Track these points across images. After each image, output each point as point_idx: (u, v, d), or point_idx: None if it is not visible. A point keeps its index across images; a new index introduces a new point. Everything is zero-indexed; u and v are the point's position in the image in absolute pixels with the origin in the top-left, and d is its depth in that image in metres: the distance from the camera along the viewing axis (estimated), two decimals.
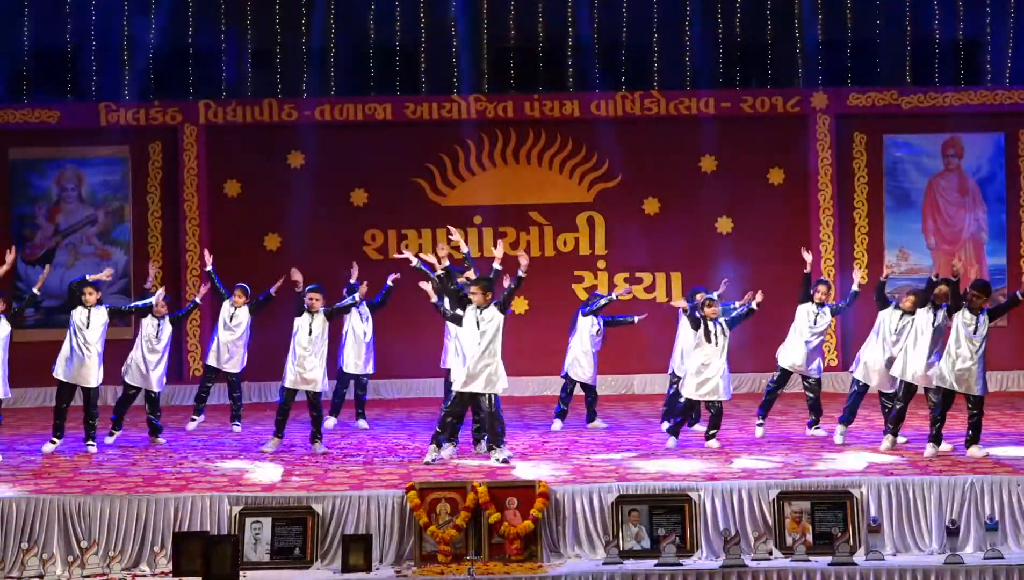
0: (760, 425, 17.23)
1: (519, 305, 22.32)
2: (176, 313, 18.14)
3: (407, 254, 16.44)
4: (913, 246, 22.87)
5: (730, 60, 23.00)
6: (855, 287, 17.53)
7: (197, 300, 18.71)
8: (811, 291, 17.23)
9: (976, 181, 22.92)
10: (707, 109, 22.68)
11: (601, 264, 22.92)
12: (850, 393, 16.74)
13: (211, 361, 18.83)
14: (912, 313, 16.12)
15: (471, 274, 16.31)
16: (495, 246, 15.82)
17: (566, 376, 18.50)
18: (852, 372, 16.82)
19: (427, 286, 15.79)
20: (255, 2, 22.75)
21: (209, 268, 18.86)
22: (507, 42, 23.02)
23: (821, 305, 17.22)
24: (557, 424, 18.39)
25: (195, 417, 18.87)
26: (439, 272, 15.93)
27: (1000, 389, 22.03)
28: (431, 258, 16.26)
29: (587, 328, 18.35)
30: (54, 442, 16.71)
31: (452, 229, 16.78)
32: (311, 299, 16.36)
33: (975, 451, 15.23)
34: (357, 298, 17.37)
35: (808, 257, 17.35)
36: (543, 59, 23.02)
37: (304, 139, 22.80)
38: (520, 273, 15.41)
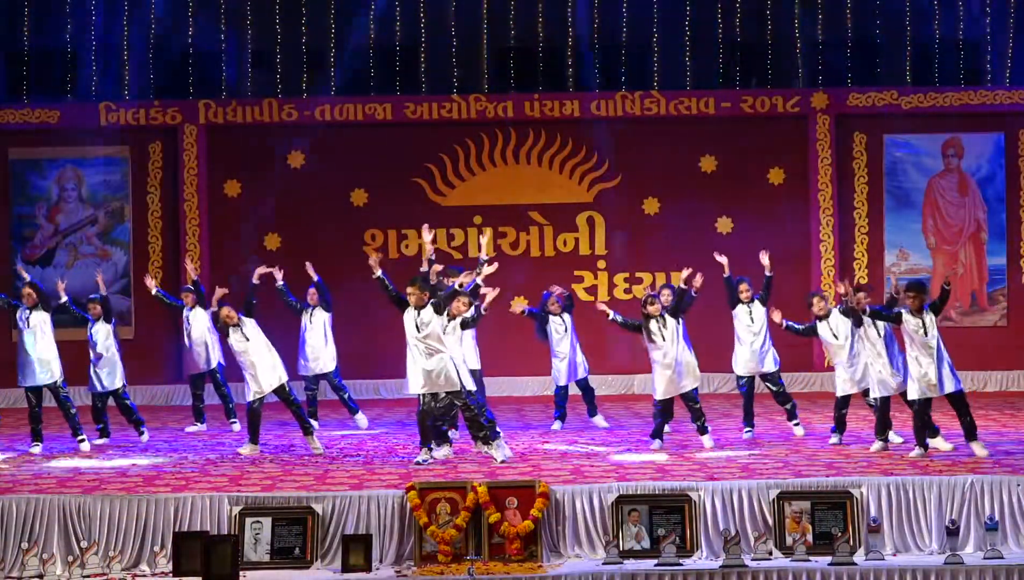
0: (748, 431, 17.22)
1: (518, 305, 22.31)
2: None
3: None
4: (913, 246, 22.88)
5: (730, 60, 23.03)
6: (768, 273, 17.44)
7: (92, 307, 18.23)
8: (736, 294, 17.25)
9: (976, 181, 22.93)
10: (707, 109, 22.72)
11: (601, 264, 22.96)
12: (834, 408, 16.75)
13: (188, 369, 18.98)
14: (824, 317, 16.23)
15: (462, 278, 16.35)
16: (480, 237, 15.83)
17: (557, 388, 18.51)
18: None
19: (373, 260, 15.59)
20: (255, 2, 22.77)
21: (155, 291, 18.70)
22: (507, 42, 23.04)
23: (750, 302, 17.26)
24: (556, 425, 18.38)
25: (197, 423, 18.86)
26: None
27: (1000, 389, 22.07)
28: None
29: (555, 331, 18.30)
30: (36, 445, 16.76)
31: (427, 230, 16.64)
32: (225, 317, 16.29)
33: (977, 447, 15.23)
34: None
35: (722, 260, 17.33)
36: (543, 59, 23.03)
37: (304, 139, 22.85)
38: (478, 280, 15.51)
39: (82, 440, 16.83)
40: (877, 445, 15.84)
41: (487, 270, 15.85)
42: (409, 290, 15.25)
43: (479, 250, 17.14)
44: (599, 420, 18.44)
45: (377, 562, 13.30)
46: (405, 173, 22.86)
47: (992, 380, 22.12)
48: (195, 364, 18.82)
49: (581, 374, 18.45)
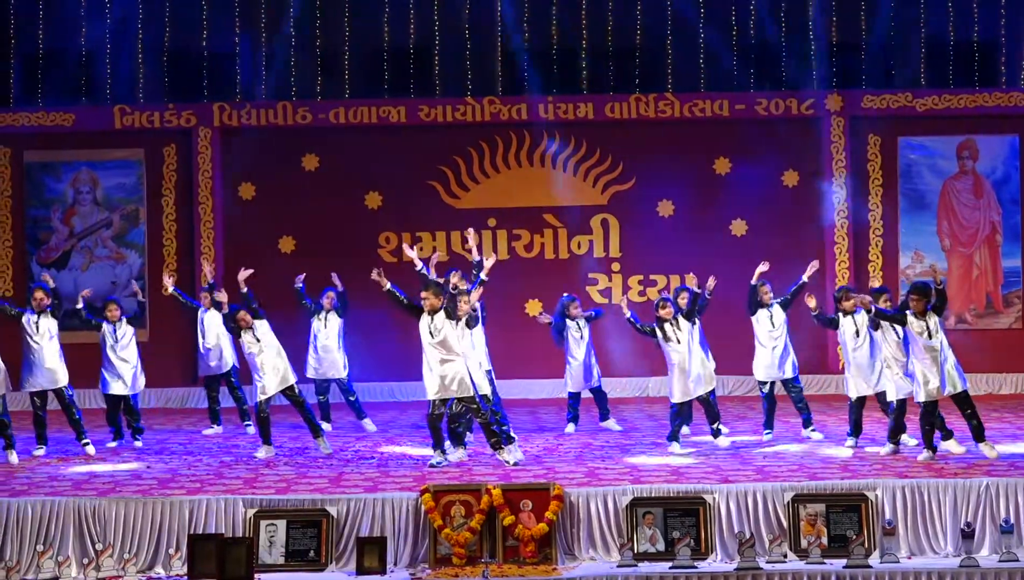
0: (768, 433, 17.22)
1: (532, 308, 22.32)
2: (129, 314, 17.99)
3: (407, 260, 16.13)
4: (928, 248, 22.83)
5: (744, 62, 23.02)
6: (804, 278, 17.38)
7: (140, 298, 18.52)
8: (757, 297, 17.20)
9: (991, 183, 22.89)
10: (721, 111, 22.69)
11: (615, 266, 22.94)
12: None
13: (203, 371, 19.01)
14: (851, 314, 16.21)
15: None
16: (469, 240, 15.83)
17: (570, 393, 18.49)
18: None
19: (377, 275, 15.65)
20: (269, 5, 22.80)
21: (171, 290, 18.49)
22: (521, 44, 23.05)
23: (770, 305, 17.23)
24: (570, 427, 18.37)
25: (214, 426, 18.87)
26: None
27: (1016, 391, 22.06)
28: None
29: (572, 336, 18.28)
30: (40, 448, 16.76)
31: (471, 233, 16.74)
32: (240, 319, 16.43)
33: (986, 448, 15.19)
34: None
35: (762, 268, 17.31)
36: (557, 61, 23.04)
37: (318, 142, 22.87)
38: (482, 276, 15.55)
39: (86, 443, 16.81)
40: (888, 448, 15.81)
41: (488, 264, 15.84)
42: (424, 295, 15.36)
43: (474, 254, 16.94)
44: (611, 424, 18.42)
45: (392, 564, 13.35)
46: (419, 176, 22.85)
47: (1008, 382, 22.10)
48: (209, 366, 18.86)
49: (595, 382, 18.43)
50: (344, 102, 22.79)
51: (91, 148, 22.73)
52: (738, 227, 22.85)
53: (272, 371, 16.35)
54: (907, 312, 15.22)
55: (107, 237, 22.77)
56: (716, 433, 16.48)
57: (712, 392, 16.49)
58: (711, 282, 16.76)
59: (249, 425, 18.65)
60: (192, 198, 22.73)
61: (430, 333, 15.28)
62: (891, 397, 15.97)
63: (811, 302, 16.77)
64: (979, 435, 15.28)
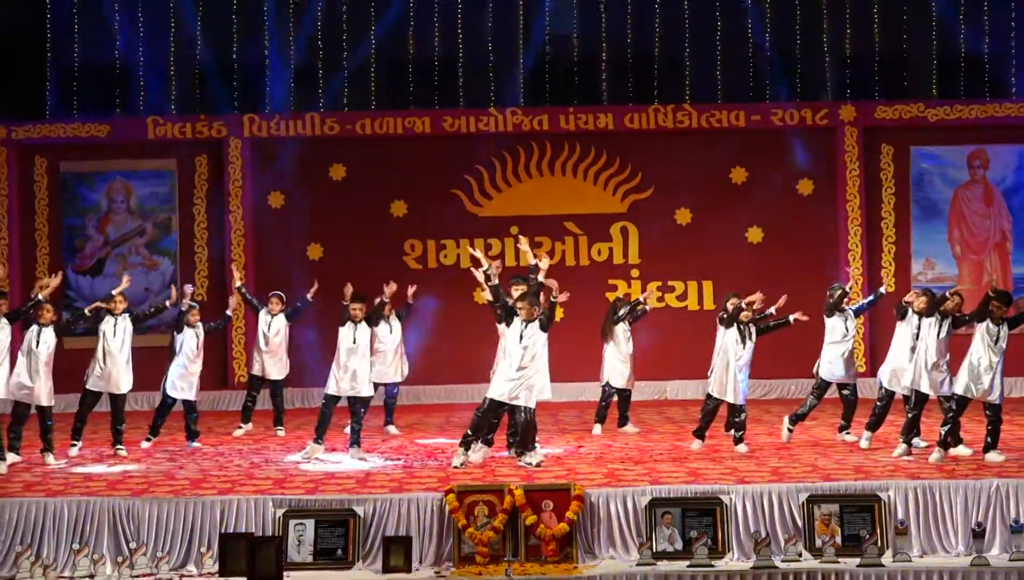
0: (790, 430, 17.31)
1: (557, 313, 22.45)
2: (211, 325, 18.32)
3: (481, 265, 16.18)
4: (939, 255, 22.97)
5: (760, 74, 23.15)
6: (883, 289, 17.90)
7: (229, 313, 18.92)
8: (840, 303, 17.31)
9: (1001, 191, 22.99)
10: (738, 122, 22.81)
11: (634, 273, 23.04)
12: (878, 400, 16.84)
13: (256, 371, 19.06)
14: (920, 314, 16.22)
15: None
16: (518, 242, 15.90)
17: (607, 385, 18.65)
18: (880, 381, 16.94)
19: (480, 274, 15.88)
20: (297, 19, 22.98)
21: (239, 284, 19.12)
22: (543, 56, 23.22)
23: (844, 310, 17.41)
24: (597, 428, 18.52)
25: (242, 425, 19.00)
26: (491, 279, 16.02)
27: None
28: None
29: (622, 334, 18.59)
30: (74, 446, 16.95)
31: (522, 239, 16.94)
32: (354, 310, 16.65)
33: (993, 456, 15.33)
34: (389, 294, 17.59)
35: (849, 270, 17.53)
36: (578, 73, 23.22)
37: (345, 152, 23.00)
38: (540, 278, 15.73)
39: (120, 449, 16.98)
40: (900, 449, 15.92)
41: (544, 265, 16.06)
42: (521, 305, 15.52)
43: (531, 258, 16.87)
44: (629, 427, 18.66)
45: (417, 563, 13.49)
46: (443, 184, 22.97)
47: (1018, 386, 21.99)
48: (263, 368, 18.92)
49: (629, 383, 18.67)
50: (370, 113, 22.90)
51: (125, 158, 22.88)
52: (754, 234, 23.00)
53: (352, 373, 16.44)
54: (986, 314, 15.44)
55: (140, 245, 22.93)
56: (738, 440, 16.64)
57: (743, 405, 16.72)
58: (799, 314, 17.05)
59: (280, 429, 18.81)
60: (223, 207, 22.88)
61: (519, 337, 15.45)
62: (905, 382, 16.11)
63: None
64: (989, 447, 15.44)
